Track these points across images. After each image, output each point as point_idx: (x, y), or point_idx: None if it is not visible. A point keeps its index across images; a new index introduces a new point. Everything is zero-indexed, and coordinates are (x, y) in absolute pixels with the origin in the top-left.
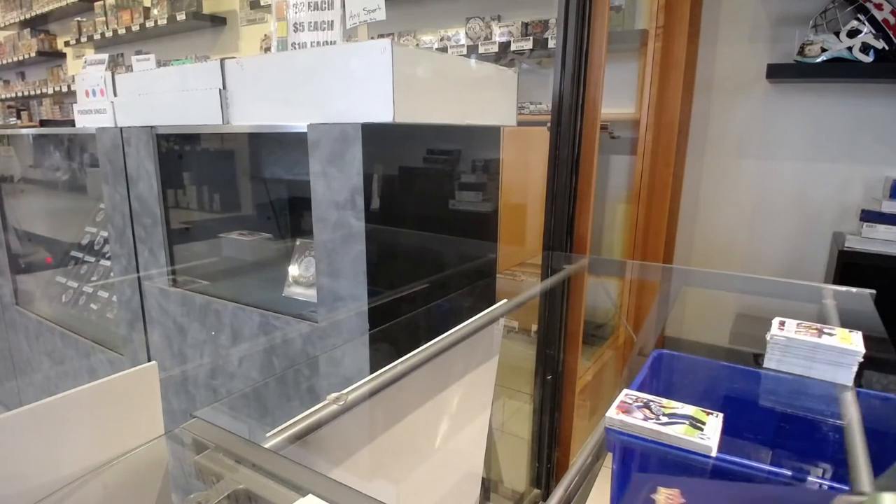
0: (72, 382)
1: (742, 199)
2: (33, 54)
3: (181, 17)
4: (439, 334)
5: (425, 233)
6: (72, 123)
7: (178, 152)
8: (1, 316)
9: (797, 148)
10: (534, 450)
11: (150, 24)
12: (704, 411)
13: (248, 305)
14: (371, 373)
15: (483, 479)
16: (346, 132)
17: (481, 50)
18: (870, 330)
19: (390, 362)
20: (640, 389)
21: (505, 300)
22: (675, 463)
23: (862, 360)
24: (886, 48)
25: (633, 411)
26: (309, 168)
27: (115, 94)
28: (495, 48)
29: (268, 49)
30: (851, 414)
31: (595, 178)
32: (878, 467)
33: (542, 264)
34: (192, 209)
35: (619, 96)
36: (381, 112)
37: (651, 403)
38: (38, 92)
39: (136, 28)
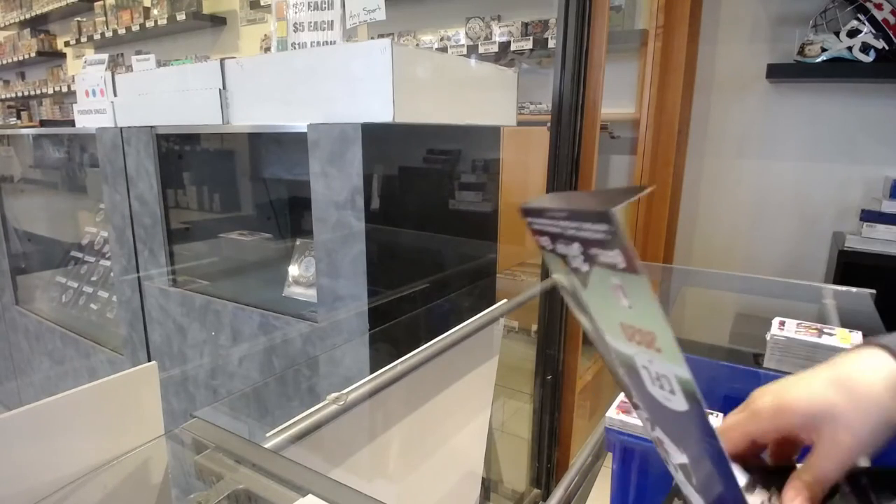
0: (72, 382)
1: (742, 199)
2: (33, 54)
3: (181, 17)
4: (439, 334)
5: (425, 233)
6: (72, 123)
7: (178, 152)
8: (1, 316)
9: (797, 148)
10: (534, 450)
11: (150, 24)
12: None
13: (248, 305)
14: (371, 373)
15: (483, 479)
16: (346, 132)
17: (481, 50)
18: (870, 330)
19: (390, 362)
20: None
21: (505, 300)
22: None
23: None
24: (886, 48)
25: (634, 411)
26: (309, 168)
27: (115, 94)
28: (495, 48)
29: (268, 49)
30: None
31: (595, 178)
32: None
33: (542, 264)
34: (192, 209)
35: (619, 96)
36: (381, 112)
37: None
38: (38, 92)
39: (136, 28)
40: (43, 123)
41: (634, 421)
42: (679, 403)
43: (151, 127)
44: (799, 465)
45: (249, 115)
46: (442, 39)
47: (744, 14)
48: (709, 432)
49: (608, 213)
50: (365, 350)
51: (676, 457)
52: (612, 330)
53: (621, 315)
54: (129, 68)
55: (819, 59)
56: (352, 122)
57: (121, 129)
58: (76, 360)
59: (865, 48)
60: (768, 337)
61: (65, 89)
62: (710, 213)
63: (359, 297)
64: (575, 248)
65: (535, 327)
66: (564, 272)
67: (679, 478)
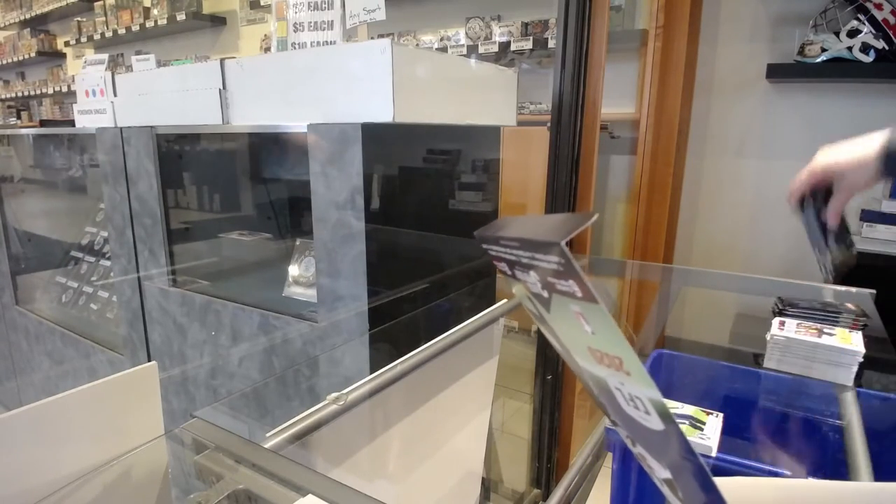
0: (72, 382)
1: (742, 198)
2: (33, 54)
3: (181, 17)
4: (439, 334)
5: (425, 233)
6: (72, 123)
7: (178, 152)
8: (1, 316)
9: (797, 148)
10: (534, 450)
11: (150, 24)
12: (704, 411)
13: (248, 305)
14: (371, 373)
15: (483, 479)
16: (346, 132)
17: (481, 50)
18: (870, 330)
19: (390, 362)
20: None
21: (505, 300)
22: None
23: (862, 360)
24: (886, 48)
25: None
26: (309, 168)
27: (115, 94)
28: (495, 48)
29: (268, 49)
30: (851, 414)
31: (595, 178)
32: (878, 467)
33: None
34: (192, 209)
35: (619, 96)
36: (381, 112)
37: None
38: (38, 92)
39: (136, 28)
40: (43, 123)
41: None
42: (655, 423)
43: (151, 127)
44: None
45: (249, 115)
46: (442, 39)
47: (744, 14)
48: (687, 450)
49: (558, 246)
50: (365, 350)
51: (660, 472)
52: (581, 353)
53: (587, 339)
54: (129, 68)
55: (819, 59)
56: (352, 122)
57: (121, 129)
58: (76, 360)
59: (865, 48)
60: (768, 337)
61: (65, 89)
62: (710, 213)
63: (359, 297)
64: (532, 276)
65: (535, 327)
66: (527, 297)
67: (665, 492)
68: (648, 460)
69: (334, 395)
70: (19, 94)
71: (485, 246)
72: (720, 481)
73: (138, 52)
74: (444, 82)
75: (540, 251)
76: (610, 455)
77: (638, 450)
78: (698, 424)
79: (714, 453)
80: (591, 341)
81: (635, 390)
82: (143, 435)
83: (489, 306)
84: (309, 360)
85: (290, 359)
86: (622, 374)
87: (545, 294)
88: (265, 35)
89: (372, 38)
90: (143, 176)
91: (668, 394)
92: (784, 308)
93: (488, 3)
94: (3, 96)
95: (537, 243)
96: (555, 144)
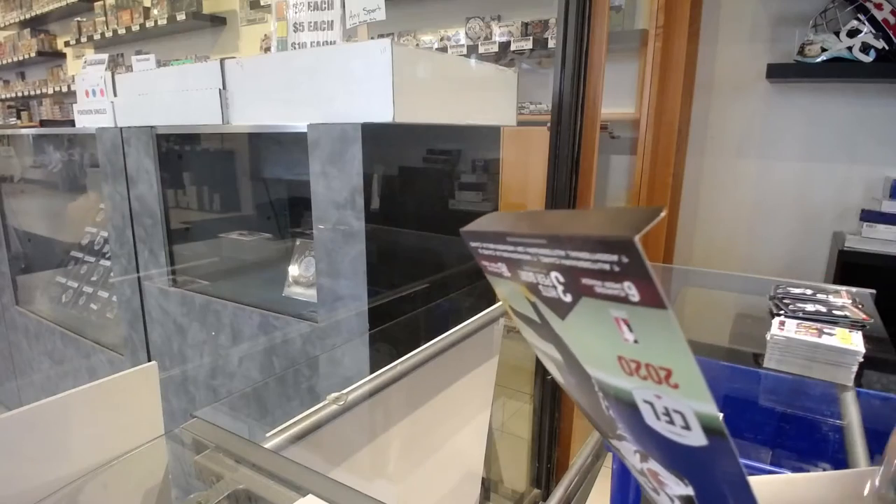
0: (72, 382)
1: (742, 198)
2: (33, 54)
3: (181, 17)
4: (439, 334)
5: (425, 233)
6: (72, 123)
7: (178, 152)
8: (1, 316)
9: (797, 148)
10: (534, 450)
11: (150, 24)
12: None
13: (248, 305)
14: (371, 373)
15: (483, 479)
16: (346, 132)
17: (481, 50)
18: (870, 330)
19: (390, 362)
20: None
21: None
22: None
23: (862, 360)
24: (886, 48)
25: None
26: (309, 168)
27: (115, 94)
28: (495, 48)
29: (268, 49)
30: (851, 414)
31: (595, 178)
32: None
33: None
34: (192, 209)
35: (619, 96)
36: (381, 112)
37: None
38: (38, 92)
39: (136, 28)
40: (43, 123)
41: None
42: (696, 439)
43: (151, 127)
44: None
45: (249, 115)
46: (442, 39)
47: (744, 14)
48: (736, 466)
49: (632, 243)
50: (365, 350)
51: (677, 489)
52: (603, 363)
53: (619, 348)
54: (129, 68)
55: (819, 59)
56: (352, 122)
57: (121, 129)
58: (76, 360)
59: (865, 48)
60: (768, 337)
61: (65, 89)
62: (710, 213)
63: (359, 297)
64: (552, 278)
65: None
66: (527, 300)
67: None
68: (661, 476)
69: (334, 395)
70: (19, 94)
71: (476, 244)
72: None
73: (138, 52)
74: (445, 82)
75: (586, 249)
76: (610, 455)
77: (647, 465)
78: None
79: None
80: (627, 350)
81: (677, 404)
82: (143, 435)
83: (489, 306)
84: (309, 360)
85: (290, 359)
86: (664, 386)
87: (567, 298)
88: (265, 35)
89: (372, 38)
90: (143, 176)
91: None
92: (781, 300)
93: (488, 3)
94: (3, 96)
95: (589, 240)
96: (555, 144)
